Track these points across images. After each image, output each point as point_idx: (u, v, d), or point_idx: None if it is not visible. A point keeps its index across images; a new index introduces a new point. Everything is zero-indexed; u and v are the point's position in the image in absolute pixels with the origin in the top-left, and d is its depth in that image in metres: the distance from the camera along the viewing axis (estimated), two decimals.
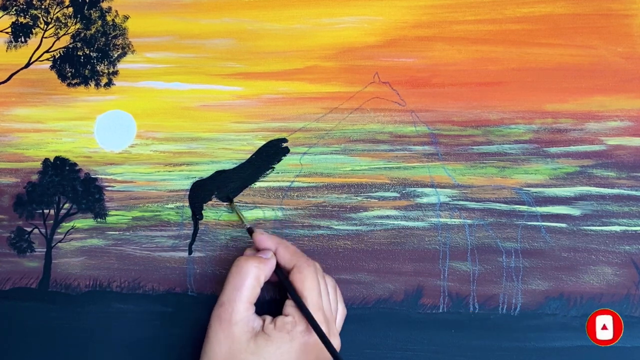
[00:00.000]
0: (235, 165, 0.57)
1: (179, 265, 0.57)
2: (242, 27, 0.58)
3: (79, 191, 0.58)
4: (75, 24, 0.59)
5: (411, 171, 0.57)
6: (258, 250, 0.51)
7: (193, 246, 0.57)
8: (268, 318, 0.49)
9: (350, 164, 0.57)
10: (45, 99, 0.59)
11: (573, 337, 0.54)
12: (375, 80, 0.57)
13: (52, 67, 0.59)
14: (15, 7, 0.59)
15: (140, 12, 0.59)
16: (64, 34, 0.59)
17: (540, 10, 0.57)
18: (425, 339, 0.55)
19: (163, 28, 0.59)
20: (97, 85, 0.58)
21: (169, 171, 0.58)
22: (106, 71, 0.58)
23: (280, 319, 0.48)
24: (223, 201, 0.57)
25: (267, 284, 0.50)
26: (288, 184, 0.57)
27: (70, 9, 0.59)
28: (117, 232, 0.57)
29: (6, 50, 0.59)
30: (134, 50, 0.58)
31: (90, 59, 0.59)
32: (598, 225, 0.55)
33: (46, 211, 0.58)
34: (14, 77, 0.59)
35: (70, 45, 0.59)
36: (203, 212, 0.57)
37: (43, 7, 0.59)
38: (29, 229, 0.58)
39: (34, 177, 0.58)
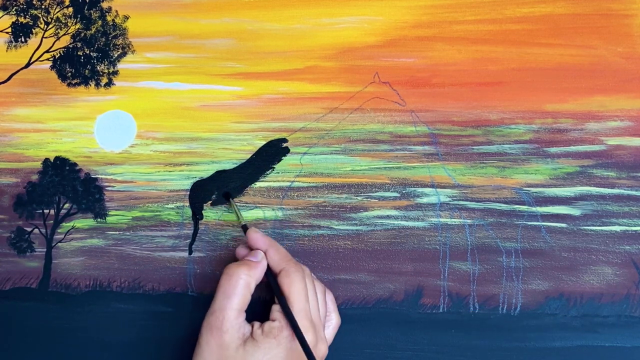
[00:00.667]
0: (235, 165, 0.57)
1: (179, 265, 0.57)
2: (242, 27, 0.58)
3: (79, 191, 0.58)
4: (75, 24, 0.59)
5: (411, 171, 0.57)
6: (250, 248, 0.52)
7: (193, 246, 0.57)
8: (257, 324, 0.49)
9: (350, 164, 0.57)
10: (45, 99, 0.59)
11: (573, 337, 0.54)
12: (375, 80, 0.57)
13: (52, 67, 0.59)
14: (15, 7, 0.59)
15: (140, 12, 0.59)
16: (64, 34, 0.59)
17: (540, 10, 0.57)
18: (425, 339, 0.55)
19: (163, 28, 0.59)
20: (97, 85, 0.58)
21: (169, 171, 0.58)
22: (106, 71, 0.58)
23: (267, 324, 0.48)
24: (222, 197, 0.56)
25: (257, 285, 0.50)
26: (288, 184, 0.57)
27: (70, 9, 0.59)
28: (117, 232, 0.57)
29: (6, 50, 0.59)
30: (134, 50, 0.58)
31: (90, 59, 0.59)
32: (598, 225, 0.55)
33: (46, 211, 0.58)
34: (14, 77, 0.59)
35: (70, 45, 0.59)
36: (203, 212, 0.57)
37: (43, 7, 0.59)
38: (29, 229, 0.58)
39: (34, 177, 0.58)
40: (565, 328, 0.54)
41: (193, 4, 0.58)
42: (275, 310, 0.49)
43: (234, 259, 0.56)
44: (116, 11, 0.59)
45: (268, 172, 0.57)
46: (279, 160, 0.57)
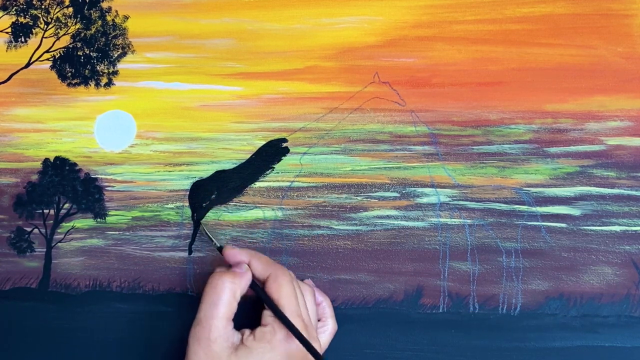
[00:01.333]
0: (235, 165, 0.57)
1: (179, 265, 0.57)
2: (242, 27, 0.58)
3: (79, 191, 0.58)
4: (75, 24, 0.59)
5: (411, 171, 0.57)
6: (231, 266, 0.50)
7: (193, 246, 0.57)
8: (247, 331, 0.48)
9: (350, 164, 0.57)
10: (45, 99, 0.59)
11: (573, 337, 0.54)
12: (375, 80, 0.57)
13: (52, 67, 0.59)
14: (15, 7, 0.59)
15: (140, 12, 0.59)
16: (64, 34, 0.59)
17: (540, 10, 0.57)
18: (425, 339, 0.55)
19: (163, 28, 0.59)
20: (97, 85, 0.58)
21: (169, 171, 0.58)
22: (106, 71, 0.58)
23: (259, 329, 0.48)
24: (196, 224, 0.56)
25: (245, 299, 0.49)
26: (288, 184, 0.57)
27: (70, 9, 0.59)
28: (117, 232, 0.57)
29: (6, 50, 0.59)
30: (134, 50, 0.58)
31: (90, 59, 0.59)
32: (598, 225, 0.55)
33: (46, 211, 0.58)
34: (14, 77, 0.59)
35: (70, 45, 0.59)
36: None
37: (43, 7, 0.59)
38: (29, 229, 0.58)
39: (34, 177, 0.58)
40: (565, 328, 0.54)
41: (193, 4, 0.58)
42: (267, 315, 0.48)
43: None
44: (116, 11, 0.59)
45: (268, 172, 0.57)
46: (279, 160, 0.57)
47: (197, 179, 0.57)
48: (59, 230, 0.58)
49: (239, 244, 0.57)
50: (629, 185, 0.55)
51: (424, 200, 0.56)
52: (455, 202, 0.56)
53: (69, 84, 0.59)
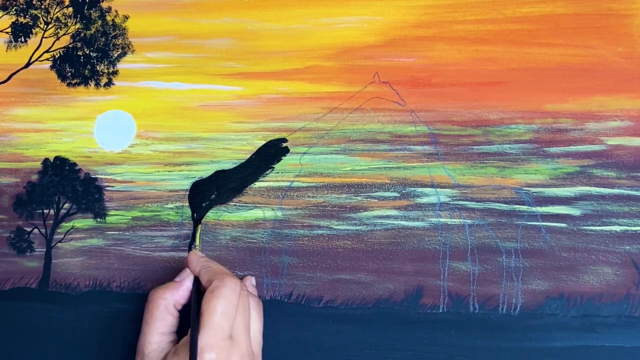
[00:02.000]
0: (235, 165, 0.57)
1: (179, 265, 0.57)
2: (242, 27, 0.58)
3: (79, 191, 0.58)
4: (75, 24, 0.59)
5: (411, 171, 0.57)
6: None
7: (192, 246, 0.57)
8: (177, 345, 0.47)
9: (350, 164, 0.57)
10: (45, 99, 0.59)
11: (573, 337, 0.54)
12: (375, 80, 0.57)
13: (52, 67, 0.59)
14: (15, 7, 0.59)
15: (140, 12, 0.59)
16: (64, 34, 0.59)
17: (541, 10, 0.57)
18: (425, 339, 0.55)
19: (163, 28, 0.59)
20: (97, 85, 0.58)
21: (169, 171, 0.58)
22: (106, 71, 0.58)
23: (171, 351, 0.47)
24: (194, 220, 0.56)
25: None
26: (288, 184, 0.57)
27: (70, 9, 0.59)
28: (117, 232, 0.57)
29: (6, 50, 0.59)
30: (134, 50, 0.58)
31: (90, 59, 0.59)
32: (598, 225, 0.55)
33: (46, 211, 0.58)
34: (14, 77, 0.59)
35: (70, 45, 0.59)
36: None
37: (43, 7, 0.59)
38: (29, 229, 0.58)
39: (34, 177, 0.58)
40: (565, 328, 0.54)
41: (193, 4, 0.58)
42: (189, 333, 0.47)
43: (234, 259, 0.56)
44: (116, 11, 0.59)
45: (268, 172, 0.57)
46: (279, 160, 0.57)
47: (197, 179, 0.57)
48: (58, 230, 0.58)
49: (238, 244, 0.57)
50: (629, 185, 0.55)
51: (424, 200, 0.56)
52: (455, 202, 0.56)
53: (68, 84, 0.59)
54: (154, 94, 0.58)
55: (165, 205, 0.57)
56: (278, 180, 0.57)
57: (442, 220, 0.56)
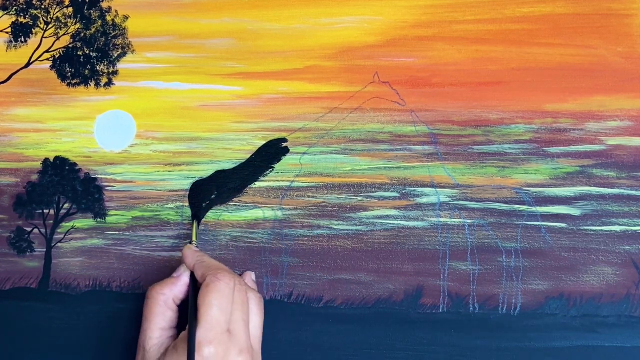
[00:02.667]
0: (235, 165, 0.57)
1: (179, 265, 0.57)
2: (242, 27, 0.58)
3: (79, 191, 0.58)
4: (75, 24, 0.59)
5: (411, 171, 0.57)
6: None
7: None
8: (176, 340, 0.48)
9: (350, 164, 0.57)
10: (45, 99, 0.59)
11: (573, 337, 0.54)
12: (375, 80, 0.57)
13: (52, 67, 0.59)
14: (15, 7, 0.59)
15: (140, 12, 0.59)
16: (64, 34, 0.59)
17: (541, 10, 0.57)
18: (425, 339, 0.55)
19: (163, 28, 0.59)
20: (97, 85, 0.58)
21: (169, 171, 0.58)
22: (106, 71, 0.59)
23: (172, 344, 0.47)
24: (194, 217, 0.56)
25: None
26: (288, 184, 0.57)
27: (70, 9, 0.59)
28: (117, 232, 0.57)
29: (6, 50, 0.59)
30: (134, 50, 0.58)
31: (90, 59, 0.59)
32: (598, 225, 0.55)
33: (46, 211, 0.58)
34: (14, 77, 0.59)
35: (70, 45, 0.59)
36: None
37: (43, 7, 0.59)
38: (29, 229, 0.58)
39: (34, 177, 0.58)
40: (565, 328, 0.54)
41: (193, 4, 0.58)
42: (187, 328, 0.47)
43: (234, 259, 0.56)
44: (116, 11, 0.59)
45: (268, 172, 0.57)
46: (279, 160, 0.57)
47: (197, 178, 0.57)
48: (59, 230, 0.58)
49: (238, 244, 0.57)
50: (629, 185, 0.55)
51: (424, 200, 0.56)
52: (455, 202, 0.56)
53: (68, 84, 0.59)
54: (154, 94, 0.58)
55: (166, 205, 0.57)
56: (278, 180, 0.57)
57: (442, 220, 0.56)
